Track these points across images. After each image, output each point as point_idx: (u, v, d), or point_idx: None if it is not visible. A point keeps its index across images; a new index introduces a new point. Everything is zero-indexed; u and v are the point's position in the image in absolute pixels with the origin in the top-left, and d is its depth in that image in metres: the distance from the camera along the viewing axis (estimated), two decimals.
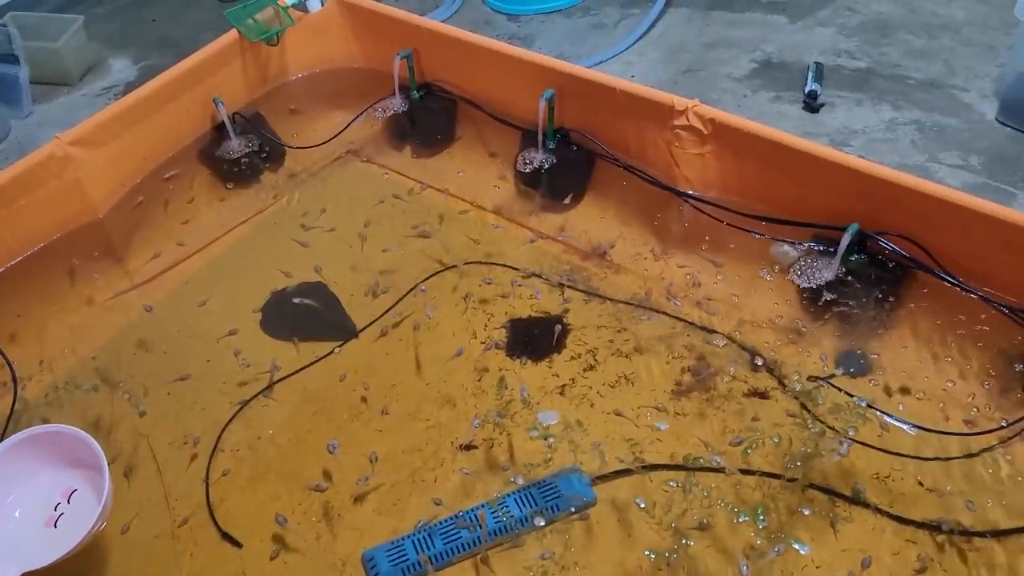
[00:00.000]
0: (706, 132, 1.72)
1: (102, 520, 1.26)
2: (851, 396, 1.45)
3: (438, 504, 1.36)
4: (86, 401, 1.56)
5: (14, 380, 1.58)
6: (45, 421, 1.50)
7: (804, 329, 1.57)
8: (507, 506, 1.33)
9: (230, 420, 1.51)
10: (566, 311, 1.65)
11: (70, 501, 1.35)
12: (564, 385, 1.52)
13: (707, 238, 1.75)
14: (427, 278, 1.74)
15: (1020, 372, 1.45)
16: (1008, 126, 2.11)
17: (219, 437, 1.49)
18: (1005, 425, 1.38)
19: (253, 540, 1.34)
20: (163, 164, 2.04)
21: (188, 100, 2.03)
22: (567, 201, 1.88)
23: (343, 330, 1.66)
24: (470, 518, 1.32)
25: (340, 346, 1.63)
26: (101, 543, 1.35)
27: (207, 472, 1.44)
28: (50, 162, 1.77)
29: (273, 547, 1.33)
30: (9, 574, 1.20)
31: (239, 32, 2.08)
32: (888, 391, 1.46)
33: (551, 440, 1.43)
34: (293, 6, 2.15)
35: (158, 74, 1.97)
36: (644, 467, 1.38)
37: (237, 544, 1.34)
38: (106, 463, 1.28)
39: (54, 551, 1.22)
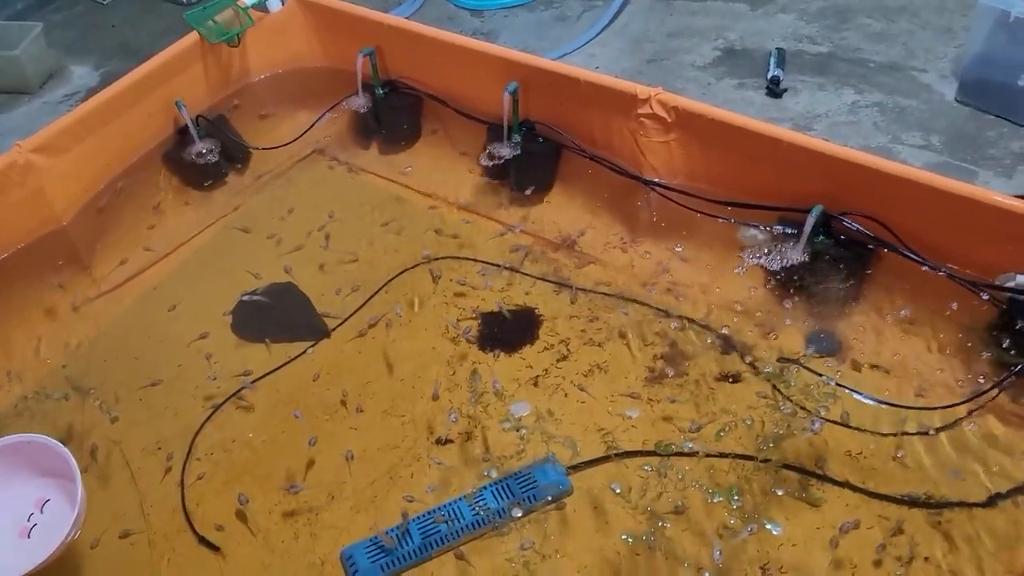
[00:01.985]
0: (670, 120, 1.73)
1: (76, 529, 1.25)
2: (820, 376, 1.46)
3: (411, 501, 1.35)
4: (57, 410, 1.55)
5: None
6: (15, 432, 1.48)
7: (773, 311, 1.58)
8: (484, 499, 1.34)
9: (203, 424, 1.50)
10: (538, 303, 1.65)
11: (43, 511, 1.34)
12: (537, 376, 1.53)
13: (675, 225, 1.76)
14: (398, 275, 1.74)
15: (985, 345, 1.47)
16: (967, 105, 2.14)
17: (193, 441, 1.48)
18: (972, 398, 1.40)
19: (230, 543, 1.34)
20: (127, 169, 2.01)
21: (150, 104, 2.00)
22: (535, 193, 1.89)
23: (315, 330, 1.66)
24: (448, 512, 1.32)
25: (312, 346, 1.62)
26: (76, 552, 1.33)
27: (182, 477, 1.43)
28: (11, 170, 1.75)
29: (251, 549, 1.32)
30: None
31: (200, 34, 2.06)
32: (857, 369, 1.48)
33: (523, 432, 1.44)
34: (253, 6, 2.13)
35: (118, 79, 1.95)
36: (618, 454, 1.39)
37: (214, 548, 1.33)
38: (79, 472, 1.27)
39: (28, 562, 1.21)
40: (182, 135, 2.09)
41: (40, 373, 1.62)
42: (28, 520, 1.33)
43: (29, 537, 1.31)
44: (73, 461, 1.27)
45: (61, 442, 1.32)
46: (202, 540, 1.34)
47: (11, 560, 1.23)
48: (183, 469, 1.44)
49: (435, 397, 1.49)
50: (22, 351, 1.67)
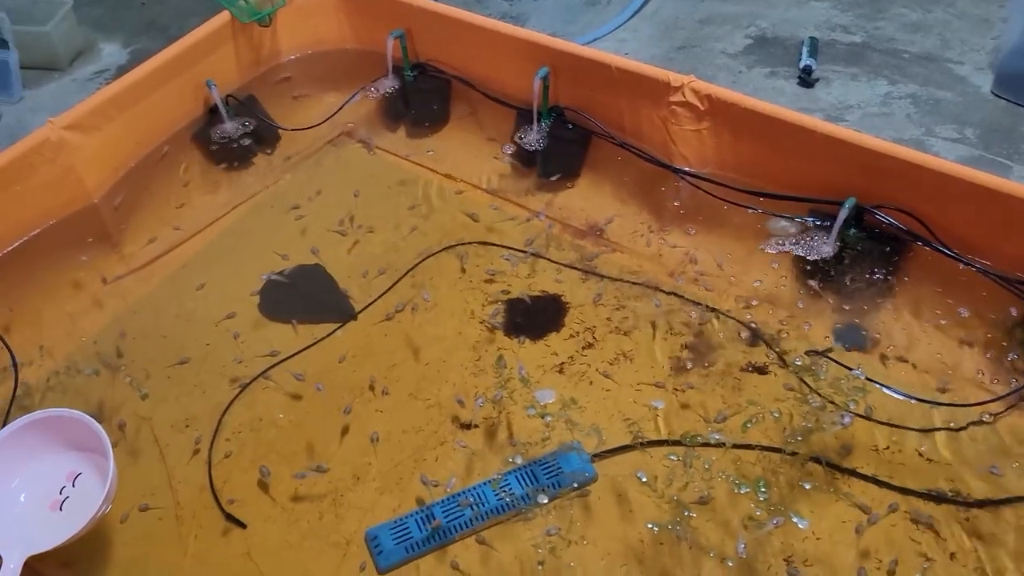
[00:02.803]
0: (702, 108, 1.72)
1: (107, 503, 1.26)
2: (850, 369, 1.46)
3: (436, 485, 1.36)
4: (88, 385, 1.56)
5: (15, 365, 1.58)
6: (47, 406, 1.50)
7: (802, 304, 1.57)
8: (509, 484, 1.34)
9: (231, 403, 1.51)
10: (564, 290, 1.65)
11: (75, 485, 1.35)
12: (563, 363, 1.53)
13: (704, 215, 1.75)
14: (424, 259, 1.74)
15: (1017, 342, 1.46)
16: (1003, 99, 2.11)
17: (220, 420, 1.49)
18: (1003, 396, 1.39)
19: (257, 521, 1.35)
20: (157, 148, 2.02)
21: (181, 83, 2.01)
22: (563, 180, 1.88)
23: (341, 312, 1.66)
24: (473, 496, 1.33)
25: (339, 328, 1.63)
26: (106, 526, 1.35)
27: (209, 454, 1.44)
28: (44, 147, 1.76)
29: (277, 527, 1.34)
30: (14, 558, 1.21)
31: (231, 13, 2.07)
32: (887, 363, 1.47)
33: (548, 419, 1.44)
34: None
35: (149, 58, 1.96)
36: (643, 443, 1.39)
37: (241, 525, 1.34)
38: (110, 446, 1.28)
39: (59, 534, 1.22)
40: (212, 115, 2.10)
41: (70, 348, 1.64)
42: (60, 493, 1.34)
43: (61, 510, 1.32)
44: (105, 436, 1.29)
45: (91, 417, 1.33)
46: (229, 517, 1.35)
47: (44, 532, 1.25)
48: (210, 447, 1.45)
49: (460, 403, 1.48)
50: (53, 327, 1.68)
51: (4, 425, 1.36)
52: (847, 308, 1.56)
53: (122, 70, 2.62)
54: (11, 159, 1.72)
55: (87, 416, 1.31)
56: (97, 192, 1.90)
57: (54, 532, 1.23)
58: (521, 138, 1.96)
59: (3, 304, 1.70)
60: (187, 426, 1.49)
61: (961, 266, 1.54)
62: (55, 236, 1.84)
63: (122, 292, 1.74)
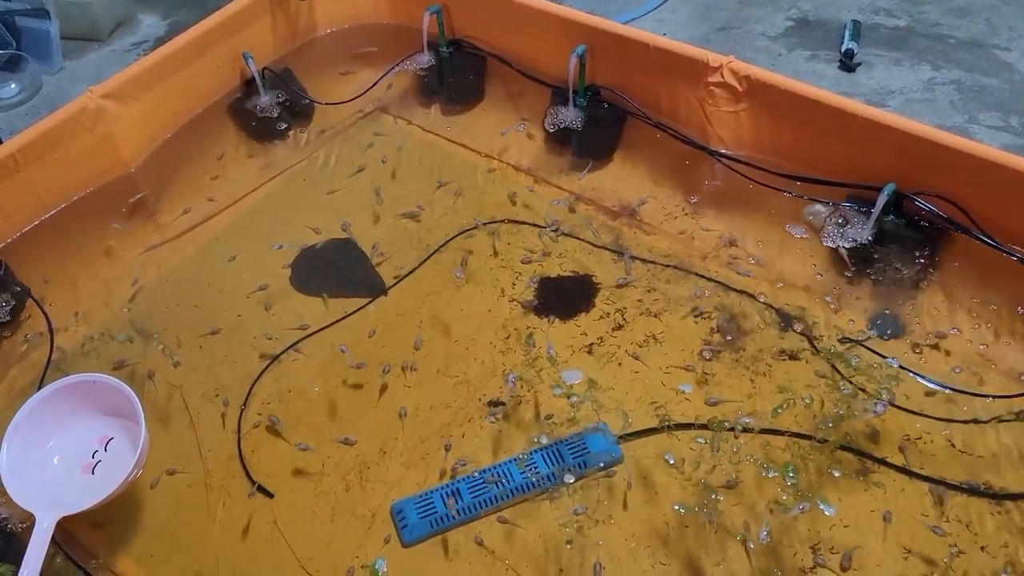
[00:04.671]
0: (741, 89, 1.69)
1: (138, 468, 1.28)
2: (884, 358, 1.43)
3: (464, 464, 1.36)
4: (121, 352, 1.58)
5: (51, 330, 1.61)
6: (81, 371, 1.52)
7: (836, 290, 1.55)
8: (535, 463, 1.34)
9: (261, 374, 1.53)
10: (595, 270, 1.64)
11: (107, 449, 1.37)
12: (592, 344, 1.52)
13: (739, 198, 1.73)
14: (455, 235, 1.74)
15: None
16: None
17: (250, 390, 1.50)
18: None
19: (284, 491, 1.36)
20: (193, 119, 2.04)
21: (218, 55, 2.02)
22: (597, 159, 1.87)
23: (371, 287, 1.67)
24: (498, 473, 1.33)
25: (369, 303, 1.64)
26: (137, 491, 1.37)
27: (239, 424, 1.46)
28: (83, 115, 1.78)
29: (304, 498, 1.35)
30: (47, 519, 1.23)
31: None
32: (921, 353, 1.44)
33: (575, 399, 1.43)
34: None
35: (187, 29, 1.97)
36: (670, 426, 1.38)
37: (269, 494, 1.36)
38: (142, 412, 1.30)
39: (91, 497, 1.24)
40: (248, 87, 2.10)
41: (104, 315, 1.66)
42: (92, 457, 1.36)
43: (93, 473, 1.34)
44: (138, 402, 1.30)
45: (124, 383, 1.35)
46: (257, 487, 1.37)
47: (76, 494, 1.27)
48: (240, 417, 1.47)
49: (488, 381, 1.48)
50: (88, 293, 1.71)
51: (40, 389, 1.38)
52: (882, 295, 1.53)
53: (160, 41, 2.64)
54: (50, 127, 1.74)
55: (120, 382, 1.33)
56: (133, 161, 1.92)
57: (86, 494, 1.25)
58: (556, 117, 1.94)
59: (40, 270, 1.73)
60: (217, 395, 1.50)
61: (1001, 255, 1.50)
62: (92, 204, 1.85)
63: (156, 261, 1.76)
